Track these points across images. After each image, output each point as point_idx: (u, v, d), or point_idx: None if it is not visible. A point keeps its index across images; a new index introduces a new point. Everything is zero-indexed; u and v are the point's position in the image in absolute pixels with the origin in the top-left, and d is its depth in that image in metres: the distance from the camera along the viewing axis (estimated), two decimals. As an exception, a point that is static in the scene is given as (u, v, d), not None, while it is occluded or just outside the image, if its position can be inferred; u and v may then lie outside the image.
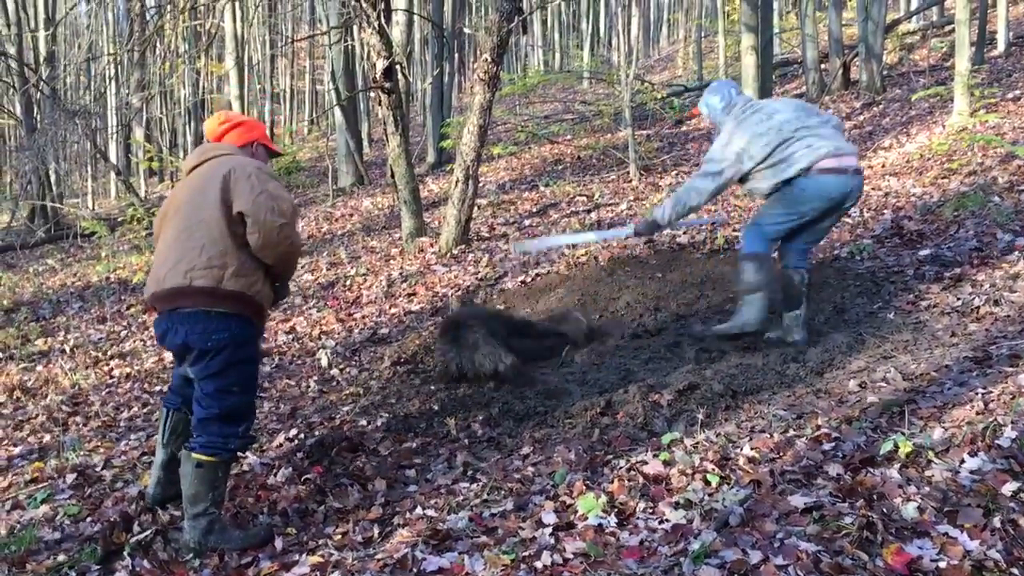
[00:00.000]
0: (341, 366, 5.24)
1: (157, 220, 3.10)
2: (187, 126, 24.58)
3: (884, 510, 2.26)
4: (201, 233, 2.83)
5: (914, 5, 16.42)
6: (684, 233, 6.58)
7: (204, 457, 2.86)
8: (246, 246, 2.87)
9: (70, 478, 3.66)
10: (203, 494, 2.86)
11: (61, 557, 2.90)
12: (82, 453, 4.06)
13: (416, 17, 14.65)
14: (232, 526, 2.99)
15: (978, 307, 4.06)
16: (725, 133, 4.24)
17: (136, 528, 3.03)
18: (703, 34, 21.67)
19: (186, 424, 3.14)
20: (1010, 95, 9.46)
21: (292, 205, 2.92)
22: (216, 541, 2.87)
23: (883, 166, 8.00)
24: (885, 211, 6.37)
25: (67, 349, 6.39)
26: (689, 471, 2.77)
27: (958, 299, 4.30)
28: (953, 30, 10.29)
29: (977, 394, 2.90)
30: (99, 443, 4.26)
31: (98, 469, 3.80)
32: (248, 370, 2.99)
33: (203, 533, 2.86)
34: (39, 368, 5.95)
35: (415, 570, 2.46)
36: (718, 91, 4.42)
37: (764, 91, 11.19)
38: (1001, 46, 12.32)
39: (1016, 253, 4.76)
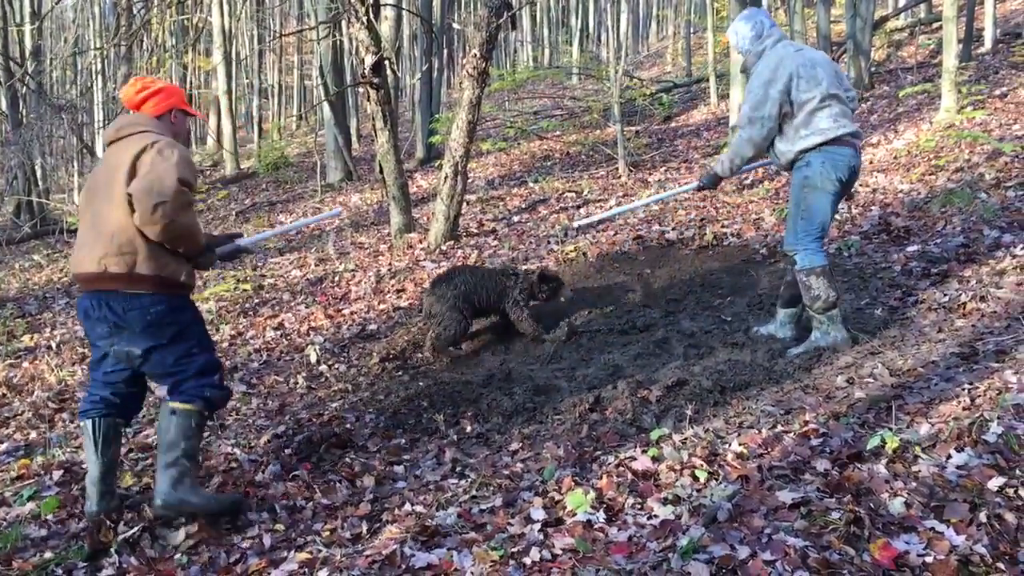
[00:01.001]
0: (329, 362, 5.22)
1: (82, 196, 3.07)
2: (174, 121, 24.35)
3: (871, 505, 2.27)
4: (113, 219, 2.84)
5: (902, 2, 16.49)
6: (672, 230, 6.60)
7: (180, 405, 2.89)
8: None
9: (57, 475, 3.64)
10: (176, 442, 2.88)
11: (48, 554, 2.89)
12: (68, 450, 4.04)
13: (405, 12, 14.59)
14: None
15: (965, 303, 4.08)
16: (765, 68, 3.99)
17: (123, 525, 3.01)
18: (692, 30, 21.70)
19: (118, 430, 3.09)
20: (997, 92, 9.51)
21: (175, 184, 2.76)
22: (185, 495, 2.87)
23: (871, 162, 8.03)
24: (873, 207, 6.40)
25: (53, 345, 6.34)
26: (677, 467, 2.78)
27: (945, 295, 4.32)
28: (941, 27, 10.34)
29: (964, 390, 2.92)
30: (85, 440, 4.23)
31: (85, 466, 3.77)
32: (199, 329, 3.04)
33: (173, 482, 2.86)
34: (25, 364, 5.90)
35: (404, 566, 2.46)
36: (750, 18, 4.17)
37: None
38: (988, 43, 12.39)
39: (1002, 249, 4.79)
